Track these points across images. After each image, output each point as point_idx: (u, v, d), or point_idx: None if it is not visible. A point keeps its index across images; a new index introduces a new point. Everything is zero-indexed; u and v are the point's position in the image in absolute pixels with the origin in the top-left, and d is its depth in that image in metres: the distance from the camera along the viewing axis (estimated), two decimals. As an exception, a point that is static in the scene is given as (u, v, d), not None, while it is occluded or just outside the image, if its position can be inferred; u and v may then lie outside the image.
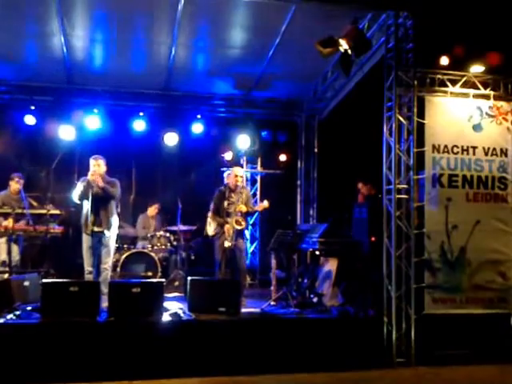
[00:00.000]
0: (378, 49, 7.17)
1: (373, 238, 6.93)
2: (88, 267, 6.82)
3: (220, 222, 7.22)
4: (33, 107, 9.10)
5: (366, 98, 7.94)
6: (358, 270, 6.78)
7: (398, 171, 6.45)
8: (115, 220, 7.04)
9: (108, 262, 6.90)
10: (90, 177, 6.79)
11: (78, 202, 6.93)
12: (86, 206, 6.84)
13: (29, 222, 7.61)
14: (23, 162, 9.30)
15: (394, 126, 6.47)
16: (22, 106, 9.18)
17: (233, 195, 7.28)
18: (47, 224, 7.55)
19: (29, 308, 5.93)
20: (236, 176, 7.34)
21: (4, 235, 7.53)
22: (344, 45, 6.34)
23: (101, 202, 6.83)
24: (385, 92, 6.61)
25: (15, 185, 7.94)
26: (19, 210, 7.46)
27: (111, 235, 6.93)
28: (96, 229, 6.78)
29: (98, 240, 6.81)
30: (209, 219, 7.79)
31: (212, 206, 7.41)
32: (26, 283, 6.36)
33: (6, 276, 7.06)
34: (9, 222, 7.41)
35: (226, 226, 7.11)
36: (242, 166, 10.73)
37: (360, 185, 7.65)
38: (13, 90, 9.13)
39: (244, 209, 7.20)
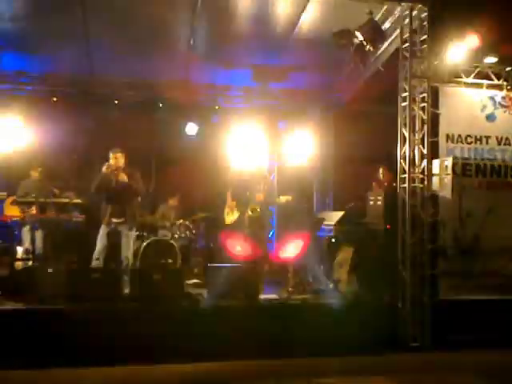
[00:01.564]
0: (393, 40, 7.23)
1: (388, 226, 7.01)
2: (97, 254, 6.91)
3: (240, 210, 7.34)
4: (55, 98, 9.32)
5: (381, 88, 7.99)
6: (373, 257, 6.87)
7: (413, 160, 6.53)
8: (135, 212, 7.15)
9: (128, 252, 7.00)
10: (104, 169, 6.89)
11: (96, 192, 7.05)
12: (106, 197, 6.98)
13: (51, 210, 7.83)
14: (45, 152, 9.50)
15: (408, 116, 6.55)
16: (43, 96, 9.40)
17: (251, 184, 7.39)
18: (69, 212, 7.77)
19: (52, 294, 6.11)
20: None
21: (27, 223, 7.76)
22: (359, 36, 6.42)
23: (120, 193, 6.94)
24: (400, 83, 6.68)
25: (36, 174, 8.15)
26: (42, 199, 7.66)
27: (131, 226, 7.05)
28: (114, 220, 6.92)
29: (115, 231, 6.93)
30: (226, 208, 7.93)
31: (229, 195, 7.52)
32: (50, 270, 6.51)
33: (30, 263, 7.27)
34: (32, 211, 7.63)
35: (246, 214, 7.24)
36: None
37: (381, 170, 7.69)
38: (35, 82, 9.34)
39: (261, 198, 7.31)
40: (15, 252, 7.57)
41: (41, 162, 8.35)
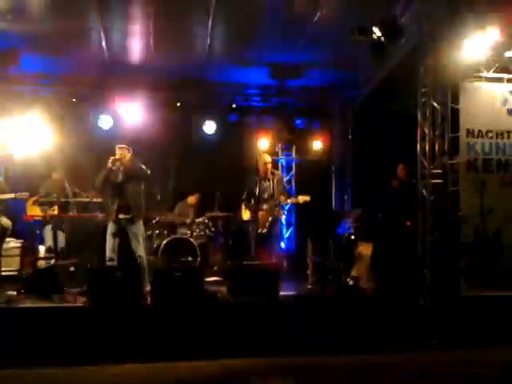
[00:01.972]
0: (412, 35, 7.17)
1: (408, 223, 6.98)
2: (109, 254, 6.84)
3: (253, 208, 7.33)
4: (74, 99, 9.42)
5: (400, 84, 7.94)
6: (393, 254, 6.85)
7: (433, 156, 6.49)
8: (141, 207, 7.08)
9: (140, 249, 6.92)
10: (109, 164, 6.83)
11: (99, 188, 7.05)
12: (110, 193, 6.95)
13: (73, 209, 7.92)
14: (66, 153, 9.60)
15: (428, 111, 6.51)
16: (63, 98, 9.51)
17: (264, 182, 7.39)
18: (90, 211, 7.85)
19: (75, 292, 6.18)
20: (265, 163, 7.42)
21: (49, 223, 7.86)
22: (377, 32, 6.39)
23: (126, 189, 6.88)
24: (419, 78, 6.64)
25: (57, 174, 8.24)
26: (63, 199, 7.75)
27: (138, 222, 6.99)
28: (122, 216, 6.82)
29: (123, 228, 6.86)
30: (243, 206, 7.94)
31: (244, 193, 7.51)
32: (72, 269, 6.59)
33: (52, 262, 7.36)
34: (54, 210, 7.72)
35: (260, 213, 7.23)
36: (276, 154, 10.89)
37: (400, 167, 7.64)
38: (55, 83, 9.45)
39: (284, 201, 7.31)
40: (38, 251, 7.66)
41: (61, 163, 8.43)
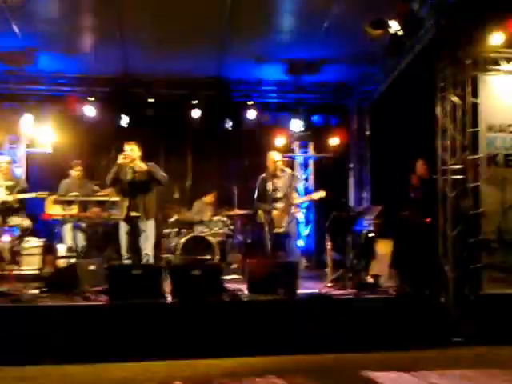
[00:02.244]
0: (430, 28, 7.09)
1: (428, 219, 6.91)
2: (125, 253, 6.94)
3: (265, 208, 7.28)
4: (92, 98, 9.48)
5: (418, 78, 7.86)
6: (413, 251, 6.79)
7: (453, 152, 6.42)
8: (153, 205, 7.09)
9: (148, 247, 6.95)
10: (120, 160, 6.86)
11: (110, 185, 7.08)
12: (121, 190, 6.99)
13: (92, 208, 7.97)
14: (84, 151, 9.68)
15: (447, 106, 6.43)
16: (80, 97, 9.57)
17: (275, 180, 7.31)
18: (109, 209, 7.90)
19: (95, 291, 6.22)
20: (274, 162, 7.32)
21: (69, 221, 7.92)
22: (394, 26, 6.32)
23: (138, 186, 6.89)
24: (437, 72, 6.56)
25: (76, 173, 8.30)
26: (82, 197, 7.79)
27: (149, 221, 7.01)
28: (133, 214, 6.85)
29: (134, 225, 6.89)
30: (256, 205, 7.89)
31: (255, 193, 7.45)
32: (92, 267, 6.61)
33: (72, 260, 7.42)
34: (73, 209, 7.78)
35: (275, 213, 7.20)
36: (292, 151, 10.86)
37: (420, 163, 7.56)
38: (72, 82, 9.52)
39: (294, 196, 7.24)
40: (58, 250, 7.72)
41: (80, 161, 8.49)
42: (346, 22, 7.28)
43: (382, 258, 7.25)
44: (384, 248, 7.33)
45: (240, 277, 7.86)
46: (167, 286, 6.08)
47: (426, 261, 6.60)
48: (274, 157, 7.37)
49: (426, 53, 7.17)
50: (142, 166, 6.90)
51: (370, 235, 7.63)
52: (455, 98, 6.42)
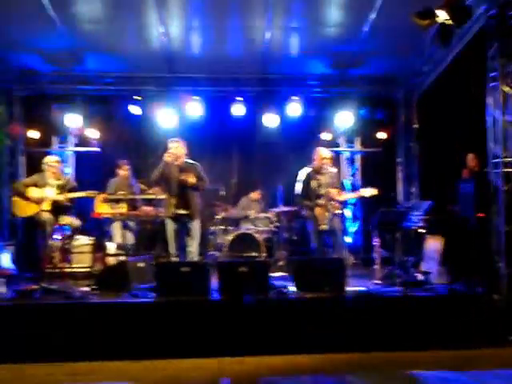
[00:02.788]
0: (480, 17, 6.88)
1: (480, 214, 6.71)
2: (173, 251, 7.00)
3: (309, 205, 7.22)
4: (138, 98, 9.59)
5: (468, 69, 7.64)
6: (465, 247, 6.61)
7: (505, 144, 6.21)
8: (198, 203, 7.11)
9: (193, 244, 6.99)
10: (166, 158, 6.90)
11: (156, 183, 7.12)
12: (167, 188, 7.02)
13: (140, 206, 8.09)
14: (130, 150, 9.82)
15: (498, 97, 6.22)
16: (126, 96, 9.71)
17: (319, 177, 7.23)
18: (157, 207, 7.99)
19: (144, 288, 6.29)
20: (322, 158, 7.25)
21: (117, 220, 8.06)
22: (442, 15, 6.14)
23: (183, 184, 6.94)
24: (488, 62, 6.36)
25: (123, 172, 8.43)
26: (130, 196, 7.91)
27: (195, 220, 7.04)
28: (180, 212, 6.91)
29: (181, 223, 6.95)
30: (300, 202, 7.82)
31: (299, 189, 7.39)
32: (141, 264, 6.68)
33: (121, 258, 7.53)
34: (121, 208, 7.90)
35: (318, 209, 7.12)
36: (338, 146, 10.74)
37: (470, 157, 7.35)
38: (118, 82, 9.66)
39: (335, 193, 7.15)
40: (107, 248, 7.86)
41: (127, 160, 8.61)
42: (392, 13, 7.14)
43: (432, 254, 7.09)
44: (434, 244, 7.16)
45: (286, 274, 7.82)
46: (214, 284, 6.10)
47: (478, 257, 6.41)
48: (323, 153, 7.29)
49: (476, 42, 6.96)
50: (186, 163, 6.93)
51: (420, 231, 7.47)
52: (507, 89, 6.20)
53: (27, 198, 7.20)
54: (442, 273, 6.76)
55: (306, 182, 7.26)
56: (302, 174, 7.34)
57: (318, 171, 7.25)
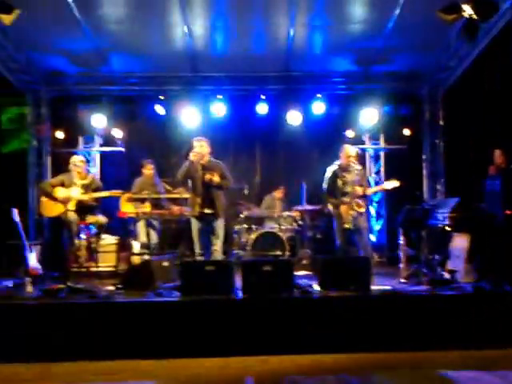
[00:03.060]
0: (506, 12, 6.76)
1: (507, 211, 6.59)
2: (198, 250, 7.00)
3: (333, 202, 7.18)
4: (162, 97, 9.65)
5: (494, 64, 7.52)
6: (491, 245, 6.49)
7: (534, 140, 6.10)
8: (222, 202, 7.11)
9: (217, 243, 6.98)
10: (191, 157, 6.90)
11: (182, 180, 7.10)
12: (192, 187, 7.01)
13: (169, 205, 8.13)
14: (155, 150, 9.89)
15: (527, 92, 6.11)
16: (151, 96, 9.78)
17: (346, 174, 7.18)
18: (182, 207, 8.02)
19: (168, 287, 6.32)
20: (349, 156, 7.19)
21: (142, 219, 8.11)
22: (468, 10, 6.04)
23: (208, 183, 6.93)
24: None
25: (148, 171, 8.47)
26: (154, 195, 7.96)
27: (220, 219, 7.03)
28: (205, 211, 6.90)
29: (207, 222, 6.95)
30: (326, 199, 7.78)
31: (325, 186, 7.36)
32: (165, 263, 6.71)
33: (146, 257, 7.58)
34: (146, 207, 7.95)
35: (343, 207, 7.07)
36: (362, 143, 10.66)
37: (497, 153, 7.22)
38: (142, 82, 9.74)
39: (360, 192, 7.09)
40: (132, 247, 7.92)
41: (151, 160, 8.66)
42: (417, 8, 7.06)
43: (459, 252, 6.98)
44: (460, 242, 7.06)
45: (310, 273, 7.79)
46: (238, 282, 6.10)
47: (505, 255, 6.29)
48: (349, 151, 7.25)
49: (502, 37, 6.84)
50: (211, 162, 6.95)
51: (446, 229, 7.36)
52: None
53: (54, 198, 7.28)
54: (468, 271, 6.66)
55: (332, 180, 7.23)
56: (329, 171, 7.31)
57: (344, 169, 7.21)
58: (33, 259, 6.53)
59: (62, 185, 7.37)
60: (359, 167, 7.28)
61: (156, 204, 8.01)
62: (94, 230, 7.58)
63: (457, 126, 9.28)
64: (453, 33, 7.92)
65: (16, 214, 6.54)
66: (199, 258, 6.96)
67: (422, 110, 10.07)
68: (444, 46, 8.54)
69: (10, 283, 6.18)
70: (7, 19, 6.00)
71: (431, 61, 9.14)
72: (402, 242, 7.29)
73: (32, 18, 7.16)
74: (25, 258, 6.44)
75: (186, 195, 7.43)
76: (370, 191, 7.52)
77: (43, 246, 7.81)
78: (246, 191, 8.95)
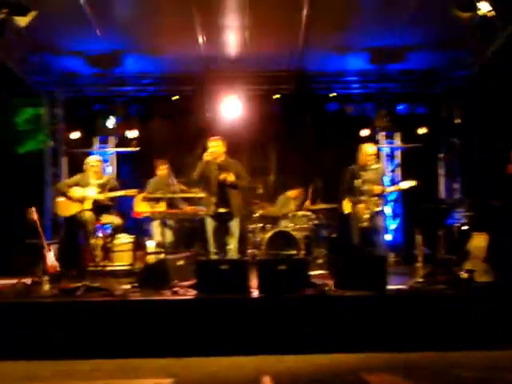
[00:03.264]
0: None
1: (525, 211, 6.53)
2: (213, 249, 7.04)
3: (352, 201, 7.14)
4: (175, 97, 9.68)
5: (511, 61, 7.44)
6: (509, 245, 6.42)
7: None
8: (238, 202, 7.14)
9: (232, 242, 7.03)
10: (206, 157, 6.93)
11: (196, 182, 7.15)
12: (207, 187, 7.04)
13: (179, 205, 8.16)
14: (169, 150, 9.91)
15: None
16: (164, 96, 9.82)
17: (363, 173, 7.15)
18: (196, 206, 8.03)
19: (184, 285, 6.33)
20: (367, 155, 7.17)
21: (157, 218, 8.13)
22: (484, 7, 5.99)
23: (223, 183, 6.97)
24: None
25: (162, 171, 8.50)
26: (169, 195, 7.98)
27: (235, 218, 7.05)
28: (220, 210, 6.94)
29: (221, 221, 6.98)
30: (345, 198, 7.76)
31: (342, 185, 7.32)
32: (180, 262, 6.74)
33: (161, 256, 7.60)
34: (161, 206, 7.98)
35: (360, 206, 7.03)
36: (377, 142, 10.59)
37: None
38: (156, 82, 9.77)
39: (378, 191, 7.05)
40: (147, 246, 7.94)
41: (165, 160, 8.68)
42: (432, 6, 7.00)
43: (477, 252, 6.91)
44: (478, 241, 6.98)
45: (326, 272, 7.75)
46: (253, 281, 6.09)
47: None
48: (368, 149, 7.22)
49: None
50: (226, 162, 6.95)
51: (463, 228, 7.30)
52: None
53: (70, 198, 7.33)
54: (486, 271, 6.59)
55: (350, 178, 7.20)
56: (347, 170, 7.28)
57: (362, 168, 7.18)
58: (51, 257, 6.59)
59: (78, 185, 7.42)
60: (377, 165, 7.24)
61: (171, 204, 8.03)
62: (109, 229, 7.61)
63: (473, 124, 9.19)
64: (469, 30, 7.83)
65: (34, 213, 6.61)
66: (214, 257, 6.96)
67: (438, 109, 10.00)
68: (459, 44, 8.45)
69: (28, 281, 6.22)
70: (23, 21, 6.06)
71: (447, 59, 9.07)
72: (419, 241, 7.24)
73: (47, 20, 7.21)
74: (43, 257, 6.50)
75: (201, 195, 7.44)
76: (387, 190, 7.48)
77: (60, 245, 7.86)
78: (260, 190, 8.94)
